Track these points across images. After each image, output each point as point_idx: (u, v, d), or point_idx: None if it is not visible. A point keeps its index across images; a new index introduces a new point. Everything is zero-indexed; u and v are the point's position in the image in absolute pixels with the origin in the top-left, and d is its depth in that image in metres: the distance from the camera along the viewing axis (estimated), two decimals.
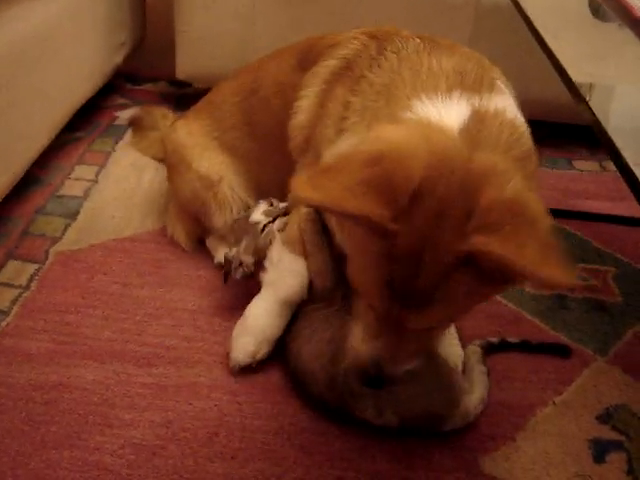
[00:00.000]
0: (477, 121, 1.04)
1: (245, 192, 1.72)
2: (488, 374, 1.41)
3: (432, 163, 0.93)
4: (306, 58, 1.48)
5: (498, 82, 1.18)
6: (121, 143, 2.32)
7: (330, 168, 0.96)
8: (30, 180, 2.05)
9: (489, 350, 1.50)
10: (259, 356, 1.45)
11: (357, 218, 0.92)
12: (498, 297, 1.68)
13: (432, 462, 1.30)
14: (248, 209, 1.65)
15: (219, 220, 1.71)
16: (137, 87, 2.70)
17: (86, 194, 2.05)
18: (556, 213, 1.96)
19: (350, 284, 1.09)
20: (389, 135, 1.00)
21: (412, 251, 0.92)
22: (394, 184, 0.90)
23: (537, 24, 1.22)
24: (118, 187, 2.09)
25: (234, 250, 1.55)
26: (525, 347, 1.55)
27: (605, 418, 1.41)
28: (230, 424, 1.35)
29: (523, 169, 1.02)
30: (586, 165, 2.35)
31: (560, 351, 1.56)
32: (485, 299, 1.05)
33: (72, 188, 2.08)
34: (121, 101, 2.62)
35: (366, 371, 1.11)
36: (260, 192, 1.69)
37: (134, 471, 1.26)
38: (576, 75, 1.04)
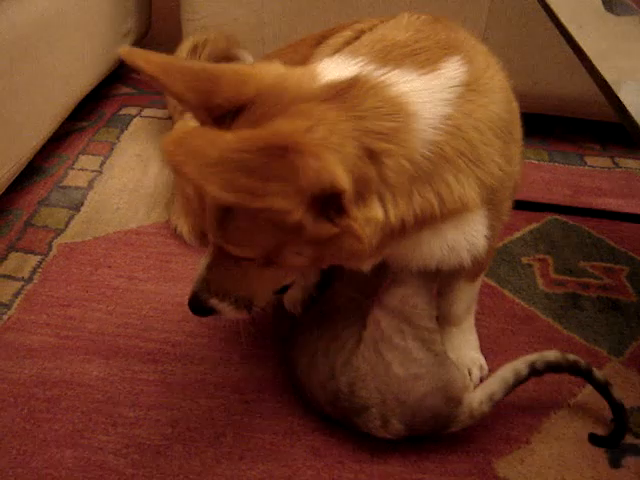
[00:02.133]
0: (349, 83, 0.96)
1: None
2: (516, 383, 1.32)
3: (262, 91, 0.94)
4: (325, 37, 1.45)
5: (449, 68, 1.03)
6: (126, 133, 2.29)
7: None
8: (33, 170, 2.02)
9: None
10: None
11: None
12: (511, 296, 1.65)
13: (445, 464, 1.27)
14: None
15: None
16: (143, 76, 2.66)
17: (90, 185, 2.02)
18: (569, 210, 1.97)
19: None
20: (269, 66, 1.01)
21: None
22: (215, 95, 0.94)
23: (561, 16, 1.18)
24: (123, 178, 2.06)
25: None
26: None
27: None
28: (237, 424, 1.33)
29: (361, 139, 0.92)
30: (598, 161, 2.31)
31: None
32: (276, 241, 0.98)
33: (76, 179, 2.05)
34: (126, 90, 2.59)
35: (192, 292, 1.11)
36: None
37: (138, 471, 1.23)
38: (605, 70, 1.00)
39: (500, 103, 1.06)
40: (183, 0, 2.25)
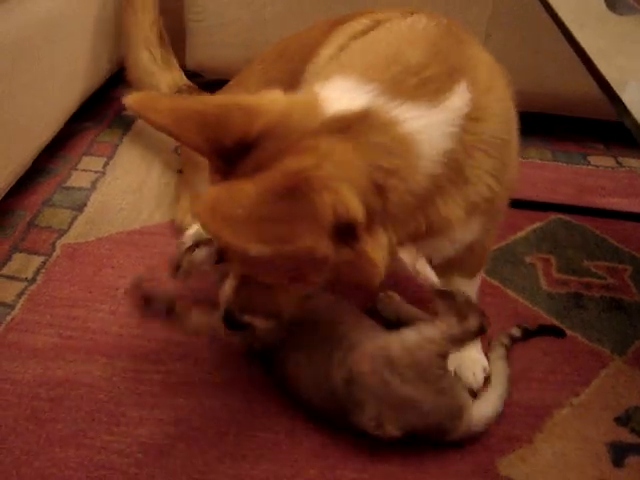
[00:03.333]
0: (361, 115, 0.97)
1: None
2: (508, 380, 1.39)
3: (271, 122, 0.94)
4: (339, 22, 1.43)
5: (455, 99, 1.03)
6: (129, 134, 2.29)
7: None
8: (37, 171, 2.02)
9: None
10: None
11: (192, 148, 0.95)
12: (514, 295, 1.65)
13: (447, 464, 1.27)
14: None
15: None
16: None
17: (94, 186, 2.02)
18: (572, 209, 1.97)
19: None
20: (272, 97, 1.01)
21: None
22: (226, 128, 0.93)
23: (562, 15, 1.18)
24: (126, 179, 2.06)
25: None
26: (527, 334, 1.54)
27: (624, 420, 1.37)
28: (240, 423, 1.32)
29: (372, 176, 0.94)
30: (602, 161, 2.31)
31: (556, 332, 1.56)
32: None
33: (79, 179, 2.05)
34: (129, 91, 2.58)
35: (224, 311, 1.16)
36: None
37: (142, 470, 1.23)
38: (607, 69, 1.00)
39: (499, 125, 1.09)
40: (187, 1, 2.25)
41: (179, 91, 1.98)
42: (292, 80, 1.46)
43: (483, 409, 1.31)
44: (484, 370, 1.42)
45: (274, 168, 0.89)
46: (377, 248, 0.97)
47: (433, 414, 1.22)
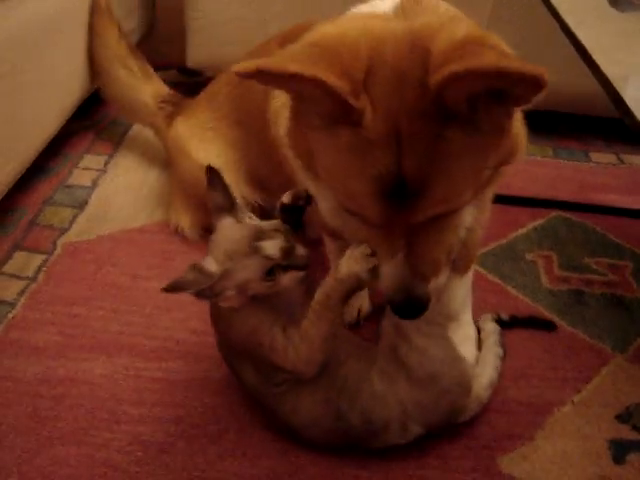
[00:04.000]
0: (411, 3, 0.97)
1: (244, 183, 1.69)
2: (504, 356, 1.40)
3: (374, 37, 0.86)
4: (284, 43, 1.43)
5: None
6: (130, 132, 2.29)
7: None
8: (38, 170, 2.02)
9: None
10: None
11: (309, 83, 0.80)
12: (515, 293, 1.65)
13: (449, 461, 1.27)
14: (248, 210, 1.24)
15: None
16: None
17: (94, 184, 2.02)
18: (573, 206, 1.96)
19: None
20: (327, 27, 0.94)
21: (385, 130, 0.84)
22: (344, 60, 0.83)
23: (561, 11, 1.18)
24: (127, 177, 2.06)
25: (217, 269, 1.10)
26: (515, 323, 1.55)
27: (625, 417, 1.37)
28: (240, 420, 1.33)
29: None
30: (603, 157, 2.31)
31: (546, 326, 1.57)
32: (483, 156, 0.92)
33: (80, 178, 2.05)
34: None
35: (395, 300, 0.99)
36: (258, 182, 1.67)
37: (142, 468, 1.23)
38: (606, 65, 0.99)
39: None
40: None
41: (163, 101, 1.97)
42: (249, 97, 1.52)
43: (483, 377, 1.33)
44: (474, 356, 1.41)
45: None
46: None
47: (448, 393, 1.23)
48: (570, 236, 1.87)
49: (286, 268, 1.10)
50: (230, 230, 1.12)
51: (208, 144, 1.70)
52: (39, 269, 1.67)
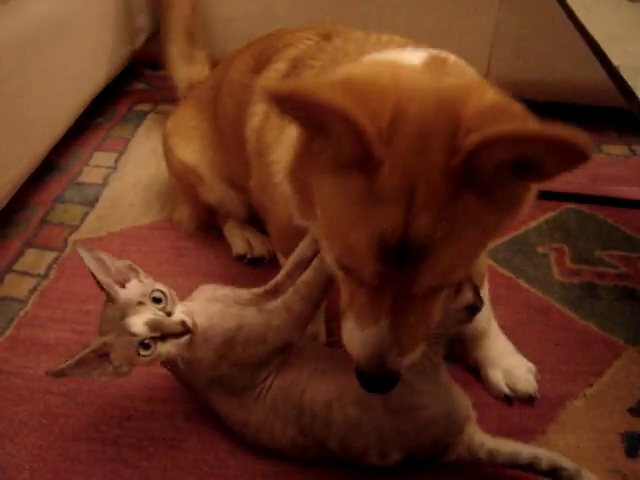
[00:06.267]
0: (438, 61, 0.94)
1: (219, 180, 1.71)
2: None
3: (402, 89, 0.82)
4: (260, 59, 1.42)
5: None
6: (140, 129, 2.30)
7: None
8: (48, 167, 2.03)
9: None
10: None
11: (338, 118, 0.75)
12: (526, 286, 1.64)
13: None
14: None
15: (210, 197, 1.74)
16: (156, 73, 2.66)
17: (105, 181, 2.03)
18: (585, 199, 1.95)
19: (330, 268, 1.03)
20: (353, 68, 0.91)
21: (399, 184, 0.79)
22: (370, 104, 0.78)
23: (571, 2, 1.17)
24: (137, 174, 2.07)
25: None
26: None
27: (638, 410, 1.36)
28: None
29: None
30: (615, 149, 2.29)
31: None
32: (493, 232, 0.89)
33: (91, 175, 2.06)
34: (140, 87, 2.60)
35: (365, 371, 0.93)
36: (234, 182, 1.68)
37: (153, 464, 1.24)
38: (614, 55, 0.98)
39: None
40: None
41: (190, 87, 1.99)
42: (223, 111, 1.56)
43: (490, 440, 1.21)
44: (530, 370, 1.39)
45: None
46: None
47: (434, 424, 1.17)
48: (582, 228, 1.86)
49: (163, 338, 1.10)
50: (107, 309, 1.13)
51: (188, 142, 1.73)
52: (50, 266, 1.68)
